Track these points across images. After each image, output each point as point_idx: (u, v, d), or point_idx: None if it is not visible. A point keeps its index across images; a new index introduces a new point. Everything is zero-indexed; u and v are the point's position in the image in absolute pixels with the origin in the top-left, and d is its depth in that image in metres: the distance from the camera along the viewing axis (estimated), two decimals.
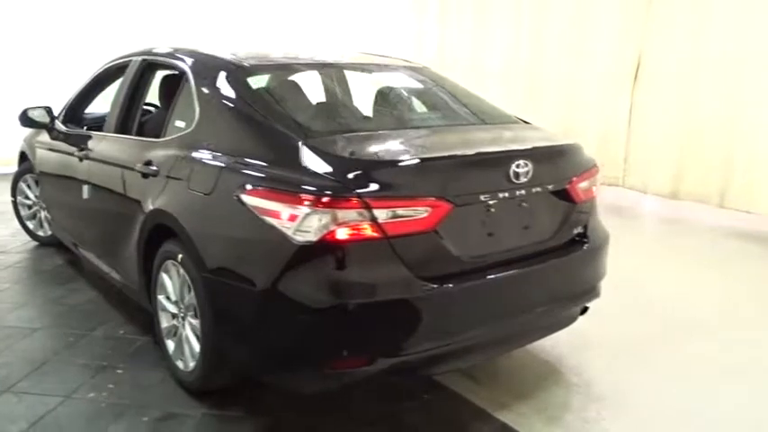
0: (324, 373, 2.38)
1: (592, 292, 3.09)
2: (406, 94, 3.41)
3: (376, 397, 2.99)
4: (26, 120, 4.42)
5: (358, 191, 2.28)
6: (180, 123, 3.15)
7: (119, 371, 3.22)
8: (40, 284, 4.52)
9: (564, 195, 2.87)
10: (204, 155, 2.81)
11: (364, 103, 3.30)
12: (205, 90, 3.02)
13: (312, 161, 2.43)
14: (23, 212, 5.32)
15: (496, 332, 2.68)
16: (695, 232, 6.16)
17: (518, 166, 2.58)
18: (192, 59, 3.24)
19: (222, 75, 3.00)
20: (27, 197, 5.23)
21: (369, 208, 2.27)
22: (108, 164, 3.60)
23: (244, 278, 2.48)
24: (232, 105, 2.86)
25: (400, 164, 2.45)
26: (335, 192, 2.28)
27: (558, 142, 3.00)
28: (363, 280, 2.32)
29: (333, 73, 3.64)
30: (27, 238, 5.37)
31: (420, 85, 3.55)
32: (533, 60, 8.01)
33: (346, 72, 3.67)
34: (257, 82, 3.02)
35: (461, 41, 9.00)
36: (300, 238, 2.29)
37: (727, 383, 3.22)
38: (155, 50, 3.66)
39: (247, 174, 2.55)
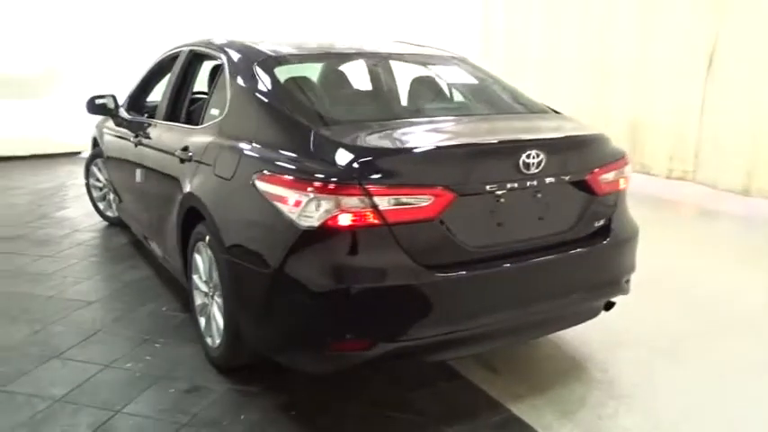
0: (325, 355, 2.46)
1: (615, 287, 3.02)
2: (435, 84, 3.43)
3: (391, 381, 3.05)
4: (92, 107, 4.73)
5: (359, 178, 2.34)
6: (215, 111, 3.30)
7: (157, 344, 3.43)
8: (104, 261, 4.84)
9: (584, 187, 2.82)
10: (230, 141, 2.95)
11: (394, 92, 3.34)
12: (236, 79, 3.15)
13: (321, 149, 2.51)
14: (95, 194, 5.70)
15: (504, 322, 2.67)
16: (762, 230, 5.82)
17: (528, 157, 2.55)
18: (229, 49, 3.38)
19: (253, 65, 3.12)
20: (98, 180, 5.60)
21: (369, 195, 2.32)
22: (155, 149, 3.82)
23: (256, 260, 2.60)
24: (256, 94, 2.97)
25: (403, 152, 2.49)
26: (337, 179, 2.35)
27: (578, 133, 2.94)
28: (364, 265, 2.38)
29: (367, 62, 3.69)
30: (99, 218, 5.76)
31: (452, 76, 3.55)
32: (603, 49, 7.77)
33: (380, 61, 3.70)
34: (285, 72, 3.12)
35: (531, 30, 8.85)
36: (304, 223, 2.37)
37: (763, 388, 3.07)
38: (201, 41, 3.84)
39: (262, 160, 2.66)
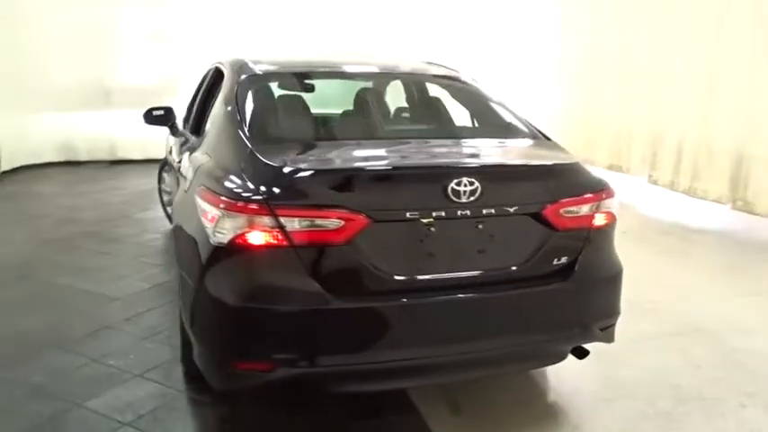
0: (227, 372, 2.44)
1: (583, 332, 2.73)
2: (407, 104, 3.32)
3: (339, 405, 2.95)
4: (149, 118, 5.07)
5: (267, 198, 2.31)
6: (209, 125, 3.41)
7: (149, 345, 3.60)
8: (149, 262, 5.11)
9: (541, 220, 2.58)
10: (198, 155, 3.03)
11: (365, 111, 3.26)
12: (222, 95, 3.24)
13: (248, 167, 2.52)
14: (164, 198, 6.10)
15: (432, 358, 2.50)
16: None
17: (459, 184, 2.38)
18: (230, 66, 3.48)
19: (238, 82, 3.19)
20: (167, 185, 5.99)
21: (275, 215, 2.29)
22: (174, 160, 4.03)
23: (189, 272, 2.65)
24: (227, 111, 3.04)
25: (316, 174, 2.42)
26: (245, 197, 2.34)
27: (532, 161, 2.70)
28: (267, 286, 2.35)
29: (347, 81, 3.63)
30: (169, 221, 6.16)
31: (434, 95, 3.42)
32: (712, 65, 7.05)
33: (361, 81, 3.63)
34: (260, 89, 3.16)
35: (641, 42, 8.22)
36: (216, 238, 2.39)
37: None
38: (226, 59, 3.98)
39: (206, 174, 2.71)
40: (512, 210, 2.51)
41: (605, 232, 2.77)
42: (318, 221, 2.30)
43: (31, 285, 4.55)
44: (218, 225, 2.37)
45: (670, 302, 4.31)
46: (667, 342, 3.74)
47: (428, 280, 2.46)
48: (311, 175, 2.42)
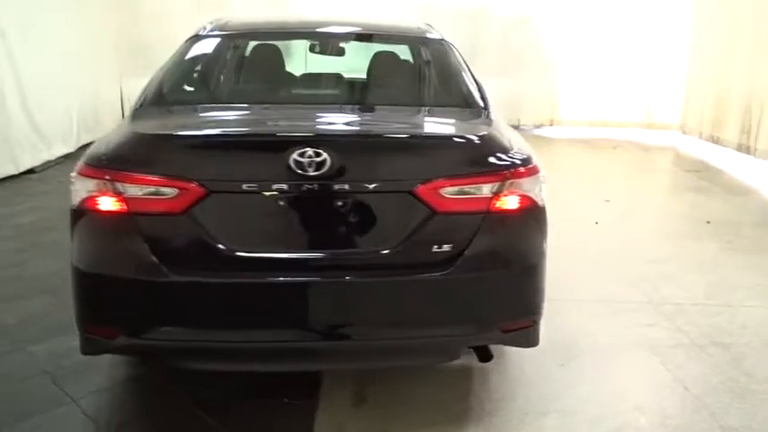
0: (83, 336, 2.41)
1: (475, 332, 2.37)
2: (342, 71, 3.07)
3: (245, 383, 2.84)
4: None
5: (108, 163, 2.26)
6: None
7: None
8: None
9: (419, 200, 2.23)
10: None
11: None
12: None
13: (118, 130, 2.49)
14: None
15: (276, 342, 2.31)
16: None
17: (302, 155, 2.13)
18: None
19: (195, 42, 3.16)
20: None
21: (113, 181, 2.22)
22: None
23: None
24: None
25: (156, 139, 2.33)
26: (91, 162, 2.30)
27: (412, 133, 2.37)
28: (105, 252, 2.31)
29: (299, 42, 3.41)
30: None
31: (391, 57, 3.13)
32: None
33: (312, 41, 3.37)
34: (197, 51, 3.09)
35: None
36: (71, 202, 2.37)
37: None
38: None
39: None
40: (371, 186, 2.20)
41: (516, 219, 2.34)
42: (154, 189, 2.20)
43: None
44: (72, 188, 2.36)
45: (702, 307, 3.63)
46: (667, 354, 3.15)
47: (273, 258, 2.26)
48: (151, 140, 2.34)
